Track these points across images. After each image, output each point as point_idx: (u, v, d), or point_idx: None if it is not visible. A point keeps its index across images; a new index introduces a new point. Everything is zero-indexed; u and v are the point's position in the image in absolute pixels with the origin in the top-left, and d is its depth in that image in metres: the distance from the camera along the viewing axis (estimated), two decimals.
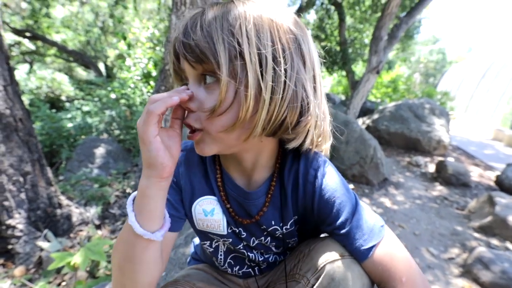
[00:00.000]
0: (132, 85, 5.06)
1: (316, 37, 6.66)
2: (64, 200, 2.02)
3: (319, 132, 0.49)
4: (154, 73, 5.11)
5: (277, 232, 0.59)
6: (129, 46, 5.42)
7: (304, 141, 0.48)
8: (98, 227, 2.19)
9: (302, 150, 0.53)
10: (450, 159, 4.24)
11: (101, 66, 9.29)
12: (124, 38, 5.35)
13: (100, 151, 3.64)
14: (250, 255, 0.63)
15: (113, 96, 4.95)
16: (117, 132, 4.48)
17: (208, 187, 0.59)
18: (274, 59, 0.41)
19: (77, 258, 1.32)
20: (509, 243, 2.37)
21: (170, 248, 0.60)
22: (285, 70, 0.41)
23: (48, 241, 1.76)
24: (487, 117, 9.35)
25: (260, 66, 0.40)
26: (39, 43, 7.98)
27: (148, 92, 5.04)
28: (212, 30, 0.40)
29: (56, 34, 8.05)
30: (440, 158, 4.25)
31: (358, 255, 0.50)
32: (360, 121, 5.65)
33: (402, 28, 4.53)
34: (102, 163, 3.47)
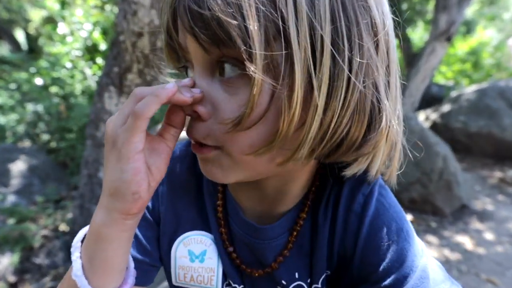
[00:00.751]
0: (68, 65, 5.09)
1: None
2: None
3: (391, 151, 0.48)
4: (103, 47, 5.15)
5: None
6: (63, 4, 5.47)
7: (369, 166, 0.49)
8: (13, 286, 2.19)
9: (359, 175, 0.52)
10: None
11: (20, 35, 9.38)
12: None
13: (18, 166, 3.66)
14: None
15: (38, 81, 4.97)
16: (45, 137, 4.50)
17: (201, 218, 0.59)
18: (335, 43, 0.38)
19: None
20: None
21: None
22: (350, 60, 0.39)
23: None
24: None
25: (313, 54, 0.38)
26: None
27: (94, 75, 5.06)
28: None
29: None
30: None
31: None
32: (421, 115, 5.64)
33: None
34: (22, 186, 3.49)
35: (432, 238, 2.86)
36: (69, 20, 5.28)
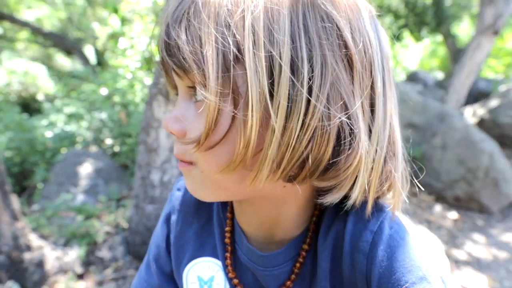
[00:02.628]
0: (128, 75, 5.24)
1: None
2: (35, 240, 2.17)
3: (379, 171, 0.44)
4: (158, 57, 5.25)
5: None
6: (123, 21, 5.68)
7: (350, 191, 0.44)
8: (80, 277, 2.32)
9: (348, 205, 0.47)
10: None
11: (90, 50, 9.91)
12: (116, 11, 5.63)
13: (86, 169, 3.87)
14: None
15: (103, 92, 5.16)
16: (109, 142, 4.70)
17: (210, 244, 0.58)
18: (293, 64, 0.36)
19: None
20: None
21: None
22: (310, 81, 0.36)
23: None
24: None
25: (270, 76, 0.36)
26: (6, 24, 8.64)
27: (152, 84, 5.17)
28: (201, 22, 0.38)
29: (27, 10, 8.67)
30: None
31: None
32: (468, 111, 5.33)
33: None
34: (89, 186, 3.68)
35: (479, 237, 2.70)
36: (128, 35, 5.45)
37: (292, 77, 0.36)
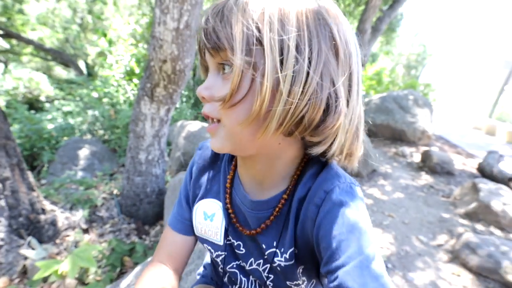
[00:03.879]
0: (114, 83, 4.90)
1: None
2: (47, 205, 1.93)
3: (351, 137, 0.42)
4: (137, 71, 4.97)
5: (275, 260, 0.50)
6: (110, 43, 5.24)
7: (330, 146, 0.41)
8: (85, 231, 2.11)
9: (328, 159, 0.45)
10: (434, 149, 4.34)
11: (82, 64, 8.97)
12: (105, 35, 5.16)
13: (84, 152, 3.52)
14: (243, 279, 0.56)
15: (95, 95, 4.78)
16: (101, 132, 4.34)
17: (215, 189, 0.56)
18: (298, 47, 0.36)
19: (64, 266, 1.26)
20: (493, 228, 2.45)
21: (184, 255, 0.59)
22: (310, 59, 0.36)
23: (33, 248, 1.68)
24: (467, 107, 9.66)
25: (281, 54, 0.36)
26: (14, 41, 7.61)
27: (132, 90, 4.89)
28: (232, 14, 0.37)
29: (31, 31, 7.68)
30: (425, 148, 4.34)
31: None
32: None
33: (385, 21, 4.58)
34: (87, 165, 3.35)
35: None
36: (114, 53, 5.07)
37: (297, 55, 0.36)
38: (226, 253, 0.55)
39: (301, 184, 0.47)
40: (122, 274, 1.76)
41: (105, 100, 4.77)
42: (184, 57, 1.84)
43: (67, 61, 8.28)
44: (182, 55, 1.81)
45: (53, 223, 1.90)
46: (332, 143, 0.41)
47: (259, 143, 0.41)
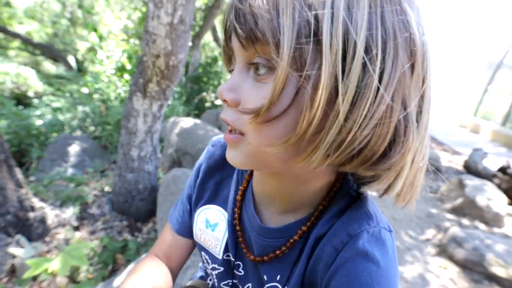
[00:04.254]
0: (105, 79, 4.79)
1: None
2: (37, 202, 1.87)
3: (415, 172, 0.32)
4: (128, 66, 4.87)
5: None
6: (101, 38, 5.11)
7: (391, 186, 0.32)
8: (76, 228, 2.06)
9: (363, 191, 0.36)
10: None
11: (71, 59, 8.74)
12: (95, 30, 5.04)
13: (74, 149, 3.43)
14: None
15: (85, 90, 4.67)
16: (91, 128, 4.24)
17: (223, 196, 0.49)
18: (368, 51, 0.25)
19: (55, 264, 1.22)
20: (478, 222, 2.51)
21: (182, 257, 0.54)
22: (382, 72, 0.26)
23: (21, 247, 1.62)
24: (452, 106, 9.88)
25: (344, 58, 0.25)
26: (0, 35, 7.35)
27: (123, 86, 4.80)
28: None
29: (19, 25, 7.43)
30: None
31: None
32: None
33: None
34: (77, 162, 3.27)
35: None
36: (105, 49, 4.96)
37: (366, 63, 0.25)
38: (223, 268, 0.48)
39: (324, 218, 0.38)
40: (114, 271, 1.73)
41: (95, 96, 4.66)
42: (178, 52, 1.80)
43: (56, 56, 8.05)
44: (176, 50, 1.77)
45: (43, 220, 1.84)
46: (394, 180, 0.31)
47: (289, 167, 0.32)
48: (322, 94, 0.26)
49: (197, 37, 5.72)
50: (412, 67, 0.28)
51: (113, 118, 4.04)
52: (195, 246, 0.55)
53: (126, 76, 4.83)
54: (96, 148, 3.68)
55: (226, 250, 0.47)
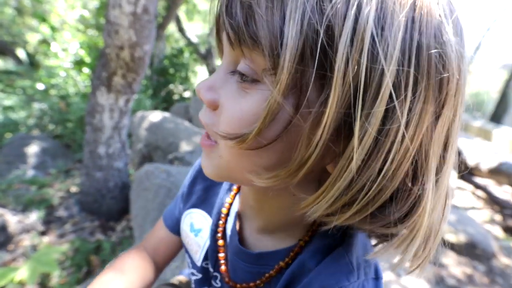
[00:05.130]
0: (63, 74, 4.41)
1: None
2: None
3: (429, 241, 0.26)
4: (88, 60, 4.52)
5: None
6: (53, 29, 4.67)
7: (406, 252, 0.25)
8: (43, 233, 1.91)
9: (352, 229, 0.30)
10: None
11: (21, 53, 7.91)
12: (44, 20, 4.58)
13: (33, 149, 3.15)
14: None
15: (40, 86, 4.27)
16: (51, 127, 3.92)
17: (211, 203, 0.45)
18: (395, 88, 0.19)
19: (22, 272, 1.13)
20: None
21: (169, 253, 0.53)
22: (408, 117, 0.20)
23: None
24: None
25: (364, 92, 0.19)
26: None
27: (83, 80, 4.46)
28: None
29: None
30: None
31: None
32: None
33: None
34: (38, 163, 3.01)
35: None
36: (59, 41, 4.54)
37: (394, 104, 0.19)
38: (201, 275, 0.45)
39: (303, 254, 0.32)
40: (89, 273, 1.64)
41: (52, 92, 4.29)
42: (143, 43, 1.70)
43: (2, 49, 7.23)
44: (141, 41, 1.67)
45: (3, 228, 1.69)
46: (410, 244, 0.25)
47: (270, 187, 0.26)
48: (324, 133, 0.20)
49: (160, 28, 5.45)
50: (438, 117, 0.21)
51: (74, 115, 3.76)
52: (178, 241, 0.54)
53: (86, 70, 4.49)
54: (57, 147, 3.41)
55: (205, 258, 0.44)
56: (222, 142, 0.26)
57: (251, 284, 0.36)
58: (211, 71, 7.07)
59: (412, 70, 0.19)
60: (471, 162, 3.48)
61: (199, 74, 7.71)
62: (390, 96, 0.19)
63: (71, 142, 3.67)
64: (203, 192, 0.47)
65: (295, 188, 0.25)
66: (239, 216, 0.41)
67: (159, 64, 5.76)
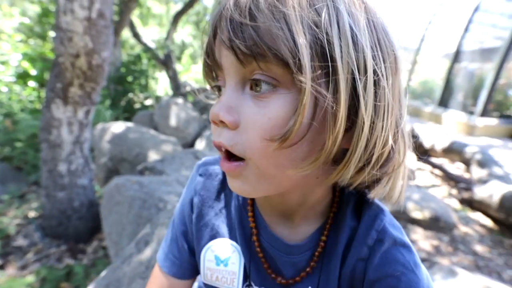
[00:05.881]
0: (4, 89, 4.00)
1: None
2: None
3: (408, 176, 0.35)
4: (33, 72, 4.15)
5: None
6: None
7: (391, 188, 0.34)
8: (1, 267, 1.72)
9: (368, 197, 0.37)
10: None
11: None
12: None
13: None
14: None
15: None
16: None
17: (228, 227, 0.45)
18: (376, 66, 0.27)
19: None
20: None
21: None
22: (387, 83, 0.28)
23: None
24: None
25: (358, 70, 0.26)
26: None
27: (29, 95, 4.08)
28: (288, 8, 0.25)
29: None
30: None
31: None
32: None
33: None
34: None
35: None
36: None
37: (379, 75, 0.27)
38: None
39: (344, 223, 0.39)
40: None
41: None
42: (101, 50, 1.62)
43: None
44: (98, 48, 1.58)
45: None
46: (393, 182, 0.34)
47: (300, 180, 0.32)
48: (343, 110, 0.26)
49: (115, 34, 5.18)
50: (397, 70, 0.30)
51: (23, 133, 3.43)
52: (192, 285, 0.51)
53: (32, 84, 4.11)
54: (7, 170, 3.10)
55: (245, 280, 0.45)
56: (257, 151, 0.29)
57: (307, 269, 0.40)
58: (172, 76, 6.88)
59: (379, 53, 0.27)
60: (427, 145, 3.81)
61: (160, 80, 7.46)
62: (375, 72, 0.27)
63: (22, 164, 3.34)
64: (215, 220, 0.46)
65: (321, 170, 0.31)
66: (266, 223, 0.43)
67: (116, 72, 5.48)
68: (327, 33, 0.25)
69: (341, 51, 0.25)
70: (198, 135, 3.80)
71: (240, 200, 0.45)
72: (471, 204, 2.73)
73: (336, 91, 0.26)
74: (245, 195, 0.34)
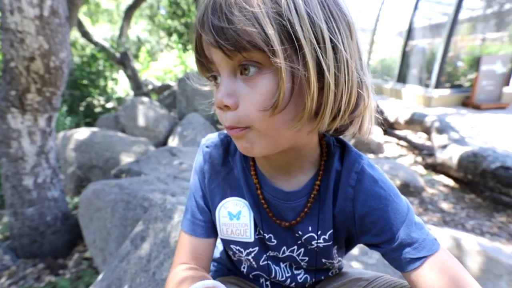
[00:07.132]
0: None
1: (173, 14, 6.31)
2: None
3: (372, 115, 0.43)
4: None
5: (313, 242, 0.51)
6: None
7: (361, 126, 0.42)
8: None
9: (340, 137, 0.47)
10: None
11: None
12: None
13: None
14: (276, 268, 0.56)
15: None
16: None
17: (235, 187, 0.53)
18: (332, 39, 0.34)
19: None
20: (367, 152, 3.13)
21: (209, 257, 0.56)
22: (344, 48, 0.35)
23: None
24: None
25: (318, 45, 0.33)
26: None
27: None
28: (254, 8, 0.32)
29: None
30: None
31: (404, 266, 0.44)
32: None
33: None
34: None
35: None
36: None
37: (336, 43, 0.34)
38: (257, 248, 0.54)
39: (332, 168, 0.47)
40: None
41: None
42: (58, 51, 1.52)
43: None
44: (55, 48, 1.49)
45: None
46: (361, 122, 0.42)
47: (294, 138, 0.40)
48: (313, 75, 0.33)
49: None
50: (351, 38, 0.37)
51: None
52: (215, 242, 0.58)
53: None
54: None
55: (255, 229, 0.53)
56: (257, 120, 0.37)
57: (305, 209, 0.48)
58: (131, 76, 6.58)
59: (333, 23, 0.34)
60: (391, 118, 4.08)
61: (120, 81, 7.09)
62: (331, 40, 0.34)
63: None
64: (224, 182, 0.53)
65: (307, 125, 0.39)
66: (267, 177, 0.50)
67: (70, 76, 5.13)
68: (288, 20, 0.32)
69: (303, 31, 0.32)
70: (169, 132, 3.72)
71: (243, 162, 0.52)
72: (435, 168, 3.00)
73: (305, 63, 0.33)
74: (252, 154, 0.41)
